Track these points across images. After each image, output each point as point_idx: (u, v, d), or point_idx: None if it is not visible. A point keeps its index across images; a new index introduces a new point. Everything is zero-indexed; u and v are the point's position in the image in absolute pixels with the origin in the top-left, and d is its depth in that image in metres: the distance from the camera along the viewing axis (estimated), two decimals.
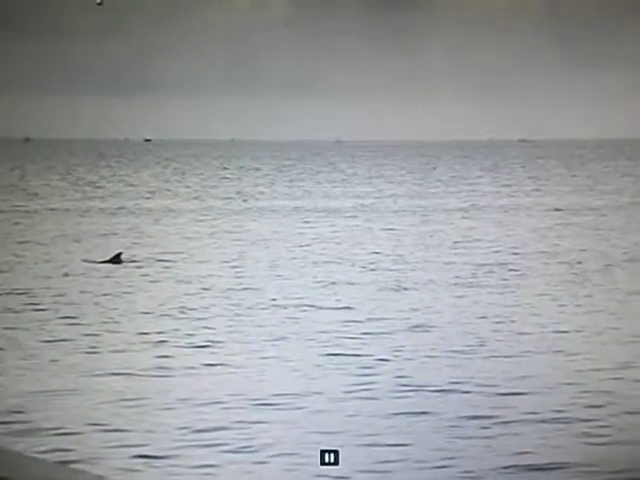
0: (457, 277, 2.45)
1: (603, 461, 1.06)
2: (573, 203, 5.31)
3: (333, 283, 2.33)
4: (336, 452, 0.81)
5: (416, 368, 1.47)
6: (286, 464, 1.01)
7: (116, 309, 1.98)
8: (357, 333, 1.77)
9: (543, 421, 1.22)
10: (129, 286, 2.26)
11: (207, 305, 2.05)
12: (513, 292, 2.28)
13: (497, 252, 3.04)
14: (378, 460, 1.03)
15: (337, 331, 1.80)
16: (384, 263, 2.66)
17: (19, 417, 1.13)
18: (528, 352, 1.65)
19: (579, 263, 2.75)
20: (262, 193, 5.72)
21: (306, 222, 4.13)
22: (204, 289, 2.23)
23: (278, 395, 1.30)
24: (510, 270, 2.61)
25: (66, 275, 2.37)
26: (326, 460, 0.80)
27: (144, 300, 2.09)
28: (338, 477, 0.98)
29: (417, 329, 1.83)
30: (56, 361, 1.50)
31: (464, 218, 4.31)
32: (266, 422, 1.14)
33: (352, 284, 2.32)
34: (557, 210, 4.83)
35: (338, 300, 2.13)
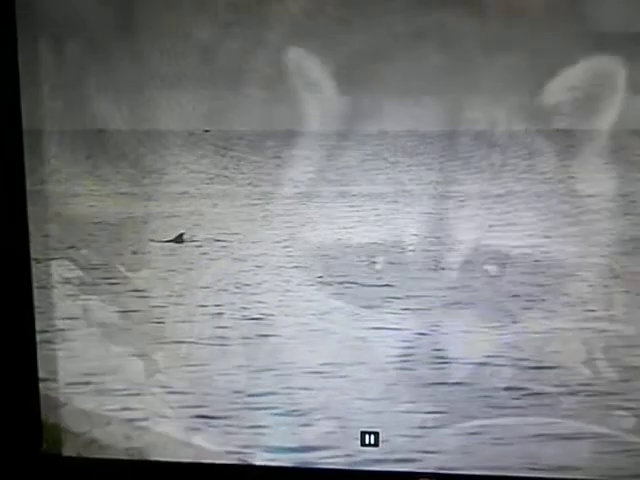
0: (492, 258, 2.42)
1: (629, 431, 1.05)
2: (605, 189, 5.17)
3: (374, 262, 2.33)
4: (376, 434, 0.81)
5: (452, 342, 1.46)
6: (329, 427, 1.03)
7: (179, 284, 2.02)
8: (397, 309, 1.77)
9: (572, 393, 1.20)
10: (190, 263, 2.31)
11: (260, 281, 2.07)
12: (544, 272, 2.25)
13: (530, 235, 2.99)
14: (415, 425, 1.03)
15: (379, 307, 1.80)
16: (423, 244, 2.64)
17: (92, 379, 1.17)
18: (558, 329, 1.63)
19: (608, 246, 2.68)
20: (311, 179, 5.74)
21: (351, 206, 4.13)
22: (257, 266, 2.26)
23: (324, 364, 1.32)
24: (542, 252, 2.57)
25: (134, 253, 2.43)
26: (366, 442, 0.80)
27: (204, 276, 2.13)
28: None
29: (453, 306, 1.81)
30: (127, 329, 1.55)
31: (499, 203, 4.24)
32: (313, 389, 1.16)
33: (392, 263, 2.31)
34: (589, 196, 4.70)
35: (379, 278, 2.13)
